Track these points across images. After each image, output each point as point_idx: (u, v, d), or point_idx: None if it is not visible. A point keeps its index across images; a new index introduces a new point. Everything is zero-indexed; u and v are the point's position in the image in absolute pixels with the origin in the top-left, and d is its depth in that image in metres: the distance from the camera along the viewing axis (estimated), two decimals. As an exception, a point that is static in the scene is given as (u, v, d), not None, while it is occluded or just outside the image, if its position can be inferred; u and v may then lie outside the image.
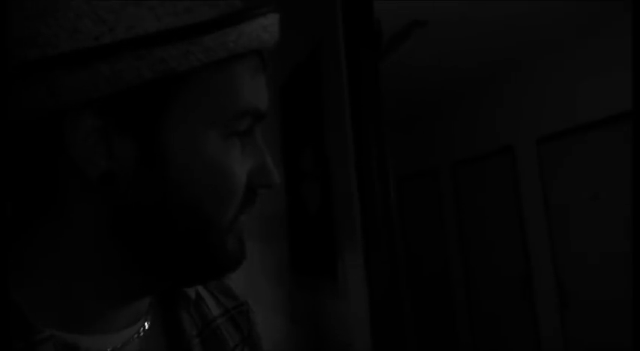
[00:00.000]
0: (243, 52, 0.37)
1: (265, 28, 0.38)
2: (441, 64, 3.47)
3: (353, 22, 1.41)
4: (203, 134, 0.37)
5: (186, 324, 0.49)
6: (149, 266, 0.40)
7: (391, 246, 1.39)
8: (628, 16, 2.83)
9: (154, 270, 0.40)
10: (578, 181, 3.15)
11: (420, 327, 4.93)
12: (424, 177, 4.80)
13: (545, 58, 3.37)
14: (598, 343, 3.02)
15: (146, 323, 0.45)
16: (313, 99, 1.55)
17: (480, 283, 4.10)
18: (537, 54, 3.39)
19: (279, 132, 1.94)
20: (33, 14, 0.32)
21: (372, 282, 1.37)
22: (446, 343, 4.51)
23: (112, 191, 0.36)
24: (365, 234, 1.35)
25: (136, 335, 0.43)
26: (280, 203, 1.91)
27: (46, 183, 0.36)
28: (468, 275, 4.24)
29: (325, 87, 1.52)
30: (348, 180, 1.40)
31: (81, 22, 0.32)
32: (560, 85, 3.28)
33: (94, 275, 0.39)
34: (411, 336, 5.03)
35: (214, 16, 0.36)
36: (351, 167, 1.38)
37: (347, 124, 1.39)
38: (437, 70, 3.60)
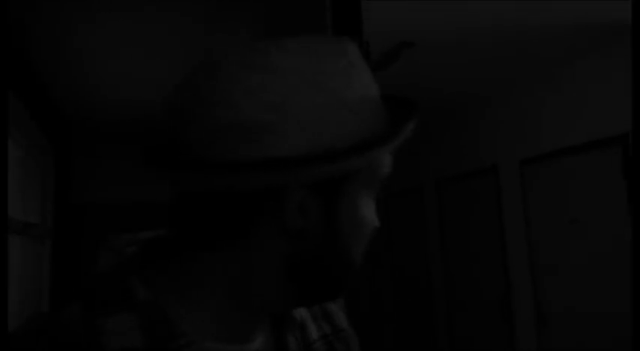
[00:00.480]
0: None
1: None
2: (428, 84, 3.51)
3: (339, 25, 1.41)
4: (360, 198, 0.48)
5: (292, 345, 0.55)
6: (302, 297, 0.49)
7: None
8: (615, 46, 2.89)
9: (302, 300, 0.50)
10: (559, 204, 3.19)
11: (400, 341, 4.93)
12: (410, 194, 4.83)
13: (534, 82, 3.43)
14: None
15: (260, 339, 0.52)
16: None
17: (460, 299, 4.11)
18: (525, 77, 3.44)
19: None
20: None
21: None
22: None
23: (299, 241, 0.46)
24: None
25: (254, 349, 0.50)
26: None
27: (246, 220, 0.45)
28: (449, 291, 4.25)
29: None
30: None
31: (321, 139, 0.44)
32: (547, 109, 3.34)
33: (257, 298, 0.47)
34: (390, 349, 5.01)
35: (384, 129, 0.48)
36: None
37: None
38: (424, 89, 3.64)
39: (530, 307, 3.38)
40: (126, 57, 2.90)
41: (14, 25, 2.45)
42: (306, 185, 0.44)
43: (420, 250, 4.64)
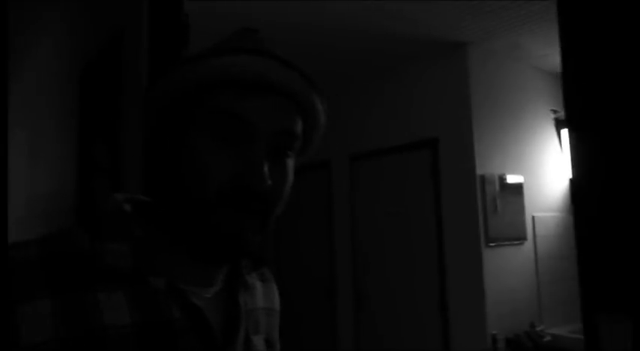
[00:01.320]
0: (224, 79, 0.53)
1: (234, 63, 0.53)
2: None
3: (159, 12, 1.37)
4: (203, 141, 0.52)
5: (241, 302, 0.62)
6: (182, 245, 0.56)
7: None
8: (440, 59, 3.26)
9: (193, 251, 0.56)
10: (379, 198, 3.50)
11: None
12: None
13: (367, 82, 3.71)
14: (385, 340, 3.38)
15: (218, 288, 0.59)
16: (111, 88, 1.47)
17: (291, 281, 4.27)
18: (359, 78, 3.71)
19: (76, 121, 1.79)
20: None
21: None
22: None
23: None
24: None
25: (207, 295, 0.58)
26: (69, 198, 1.76)
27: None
28: (282, 276, 4.39)
29: (125, 77, 1.44)
30: (139, 175, 1.35)
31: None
32: (375, 110, 3.64)
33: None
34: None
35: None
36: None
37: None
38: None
39: (350, 288, 3.65)
40: None
41: None
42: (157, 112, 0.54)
43: None
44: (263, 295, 0.72)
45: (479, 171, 2.96)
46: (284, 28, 2.79)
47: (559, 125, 3.60)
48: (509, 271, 3.01)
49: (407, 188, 3.33)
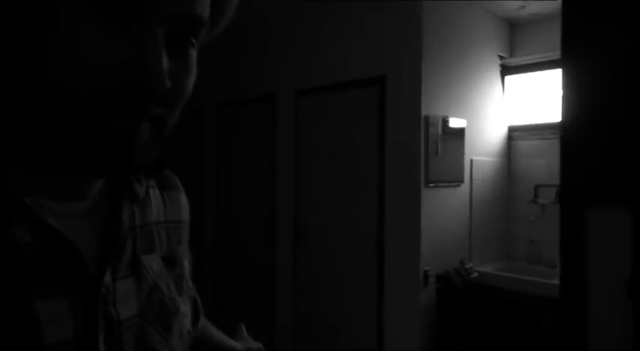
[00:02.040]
0: None
1: None
2: None
3: None
4: (79, 23, 0.38)
5: (125, 216, 0.53)
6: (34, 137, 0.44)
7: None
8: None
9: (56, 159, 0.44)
10: (324, 135, 3.45)
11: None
12: (188, 115, 4.67)
13: (313, 15, 3.54)
14: (321, 275, 3.46)
15: (91, 202, 0.51)
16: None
17: (230, 217, 4.25)
18: (309, 8, 3.53)
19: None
20: None
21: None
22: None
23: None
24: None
25: (76, 211, 0.49)
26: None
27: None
28: (221, 210, 4.36)
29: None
30: None
31: None
32: (323, 45, 3.50)
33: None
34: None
35: None
36: None
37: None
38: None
39: (290, 224, 3.66)
40: None
41: None
42: None
43: (194, 171, 4.60)
44: (163, 206, 0.64)
45: (424, 112, 2.94)
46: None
47: (504, 71, 3.64)
48: (444, 212, 3.10)
49: (352, 126, 3.29)
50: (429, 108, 2.97)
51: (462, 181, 3.23)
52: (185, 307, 0.62)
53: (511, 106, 3.66)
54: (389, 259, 3.06)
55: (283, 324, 3.73)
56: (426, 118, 2.95)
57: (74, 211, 0.49)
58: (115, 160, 0.43)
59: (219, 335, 0.96)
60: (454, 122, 3.13)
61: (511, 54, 3.67)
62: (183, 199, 0.72)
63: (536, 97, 3.57)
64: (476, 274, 3.13)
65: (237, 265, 4.19)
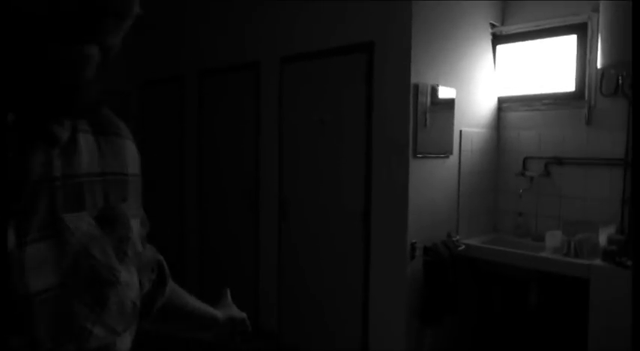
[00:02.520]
0: None
1: None
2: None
3: None
4: None
5: (36, 164, 0.45)
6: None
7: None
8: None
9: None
10: (310, 104, 3.34)
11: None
12: (170, 83, 4.54)
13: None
14: (308, 248, 3.41)
15: None
16: None
17: (211, 191, 4.17)
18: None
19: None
20: None
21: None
22: (173, 243, 4.54)
23: None
24: None
25: None
26: None
27: None
28: (202, 183, 4.26)
29: None
30: None
31: None
32: (307, 9, 3.36)
33: None
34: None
35: None
36: None
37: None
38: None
39: (275, 196, 3.58)
40: None
41: None
42: None
43: (175, 142, 4.49)
44: (100, 155, 0.55)
45: (413, 80, 2.85)
46: None
47: (496, 40, 3.55)
48: (432, 184, 3.04)
49: (338, 94, 3.19)
50: (418, 76, 2.88)
51: (450, 152, 3.17)
52: (129, 276, 0.55)
53: (502, 76, 3.59)
54: (375, 232, 3.01)
55: (268, 299, 3.69)
56: (415, 86, 2.86)
57: None
58: (73, 90, 0.41)
59: (194, 302, 0.88)
60: (444, 92, 3.05)
61: (503, 22, 3.57)
62: (130, 148, 0.62)
63: (528, 68, 3.49)
64: (463, 247, 3.10)
65: (221, 239, 4.12)
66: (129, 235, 0.56)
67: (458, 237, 3.17)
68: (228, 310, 0.89)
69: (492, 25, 3.51)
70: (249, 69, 3.75)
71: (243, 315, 0.90)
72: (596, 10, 3.02)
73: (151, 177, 4.82)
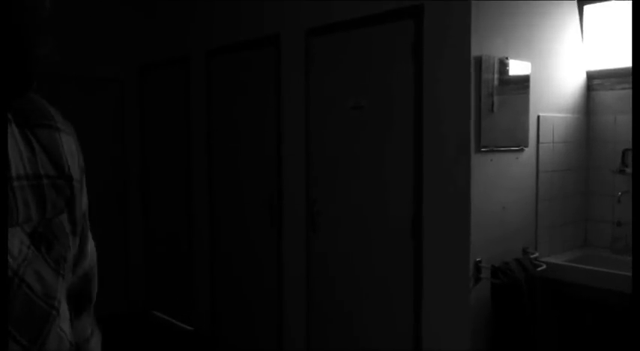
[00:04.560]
0: None
1: None
2: None
3: None
4: None
5: None
6: None
7: None
8: None
9: None
10: (346, 85, 3.24)
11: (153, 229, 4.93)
12: (173, 66, 4.62)
13: None
14: (343, 269, 3.27)
15: None
16: None
17: (226, 198, 4.18)
18: None
19: None
20: None
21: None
22: (179, 256, 4.55)
23: None
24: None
25: None
26: None
27: None
28: (211, 187, 4.29)
29: None
30: None
31: None
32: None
33: None
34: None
35: None
36: None
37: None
38: None
39: (302, 204, 3.51)
40: None
41: None
42: None
43: (180, 137, 4.54)
44: (30, 154, 0.55)
45: (474, 53, 2.73)
46: None
47: (582, 1, 3.40)
48: (502, 186, 2.93)
49: (379, 73, 3.08)
50: (482, 48, 2.78)
51: (525, 144, 3.08)
52: (64, 304, 0.55)
53: (591, 44, 3.45)
54: (428, 247, 2.91)
55: (294, 333, 3.63)
56: (478, 60, 2.75)
57: None
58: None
59: None
60: (515, 67, 2.95)
61: (592, -24, 3.37)
62: (68, 143, 0.61)
63: (625, 34, 3.27)
64: (544, 267, 3.01)
65: (236, 259, 4.10)
66: (66, 255, 0.57)
67: (537, 254, 3.09)
68: None
69: (579, -21, 3.36)
70: (266, 45, 3.70)
71: None
72: None
73: (152, 180, 4.87)
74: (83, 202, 0.63)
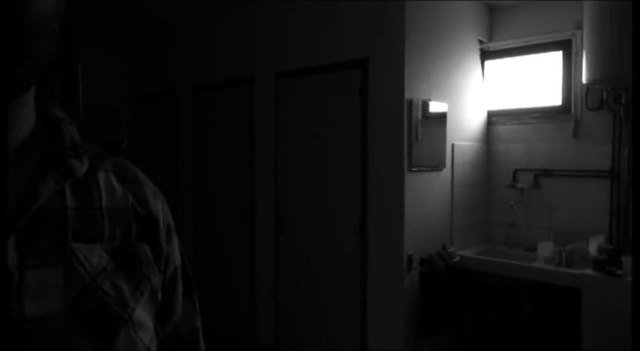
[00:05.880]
0: None
1: None
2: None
3: None
4: None
5: (46, 189, 0.45)
6: None
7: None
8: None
9: None
10: (307, 118, 3.41)
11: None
12: (162, 98, 4.56)
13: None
14: (305, 263, 3.46)
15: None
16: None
17: (206, 204, 4.19)
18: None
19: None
20: None
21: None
22: None
23: None
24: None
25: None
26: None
27: None
28: (197, 197, 4.28)
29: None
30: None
31: None
32: (301, 26, 3.46)
33: None
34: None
35: None
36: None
37: None
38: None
39: (271, 211, 3.63)
40: None
41: None
42: None
43: (168, 156, 4.50)
44: (124, 195, 0.55)
45: (406, 95, 2.95)
46: None
47: (484, 56, 3.71)
48: (426, 197, 3.13)
49: (333, 108, 3.27)
50: (411, 91, 2.98)
51: (443, 165, 3.28)
52: (144, 317, 0.50)
53: (491, 90, 3.73)
54: (372, 244, 3.07)
55: (265, 314, 3.71)
56: (409, 101, 2.96)
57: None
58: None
59: None
60: (436, 106, 3.16)
61: (490, 38, 3.74)
62: (151, 193, 0.59)
63: (516, 82, 3.65)
64: (458, 258, 3.19)
65: (216, 253, 4.13)
66: (149, 276, 0.52)
67: (452, 248, 3.26)
68: None
69: (480, 41, 3.67)
70: (243, 84, 3.80)
71: None
72: (580, 27, 3.19)
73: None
74: (173, 255, 0.59)
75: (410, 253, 2.97)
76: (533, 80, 3.57)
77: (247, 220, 3.81)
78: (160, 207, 0.58)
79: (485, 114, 3.73)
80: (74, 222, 0.47)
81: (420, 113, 3.02)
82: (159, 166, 4.63)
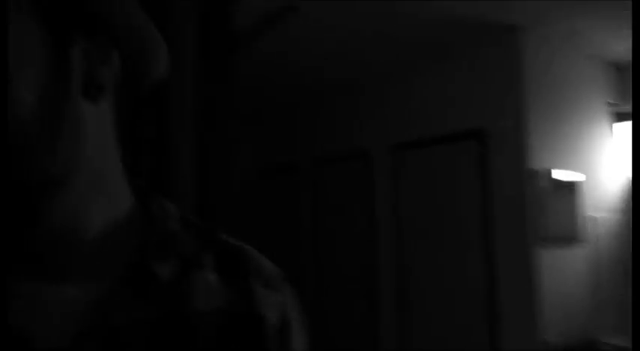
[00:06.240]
0: None
1: None
2: (307, 62, 3.39)
3: (206, 19, 1.22)
4: None
5: (118, 298, 0.38)
6: None
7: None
8: (484, 47, 3.02)
9: None
10: (427, 191, 3.27)
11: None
12: (285, 172, 4.56)
13: (407, 71, 3.45)
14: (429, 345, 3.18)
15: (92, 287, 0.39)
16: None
17: (328, 283, 4.05)
18: (399, 66, 3.46)
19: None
20: None
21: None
22: None
23: None
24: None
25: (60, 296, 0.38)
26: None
27: None
28: (318, 273, 4.17)
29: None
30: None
31: None
32: (422, 98, 3.38)
33: None
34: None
35: None
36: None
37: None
38: (302, 68, 3.52)
39: (393, 290, 3.44)
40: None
41: None
42: None
43: (291, 231, 4.44)
44: (224, 294, 0.43)
45: (530, 166, 2.73)
46: (331, 11, 2.58)
47: (614, 118, 3.33)
48: (561, 274, 2.80)
49: (453, 181, 3.11)
50: (536, 161, 2.77)
51: (579, 239, 2.92)
52: None
53: (626, 155, 3.30)
54: (504, 327, 2.78)
55: None
56: (534, 172, 2.73)
57: (57, 295, 0.38)
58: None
59: None
60: (564, 175, 2.88)
61: (621, 99, 3.36)
62: (263, 284, 0.47)
63: None
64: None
65: (338, 328, 3.94)
66: None
67: (601, 335, 2.86)
68: None
69: (611, 104, 3.32)
70: (360, 158, 3.76)
71: None
72: None
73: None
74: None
75: (547, 338, 2.62)
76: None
77: (371, 300, 3.61)
78: (272, 300, 0.46)
79: (626, 181, 3.28)
80: (160, 334, 0.39)
81: (548, 184, 2.78)
82: (280, 247, 4.51)
